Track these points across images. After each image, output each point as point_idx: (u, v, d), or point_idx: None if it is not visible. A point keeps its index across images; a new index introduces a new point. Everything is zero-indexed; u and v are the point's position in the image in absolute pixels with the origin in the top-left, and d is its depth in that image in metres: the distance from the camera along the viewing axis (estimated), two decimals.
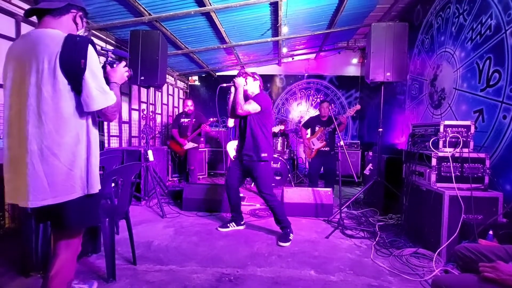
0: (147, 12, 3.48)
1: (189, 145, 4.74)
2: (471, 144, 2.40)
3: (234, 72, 7.05)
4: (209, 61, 6.03)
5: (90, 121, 1.25)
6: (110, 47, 3.55)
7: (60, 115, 1.14)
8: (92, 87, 1.16)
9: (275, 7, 3.76)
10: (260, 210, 3.74)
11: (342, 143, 3.26)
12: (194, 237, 2.73)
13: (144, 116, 5.07)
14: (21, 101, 1.14)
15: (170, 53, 4.65)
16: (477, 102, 2.79)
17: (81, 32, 1.33)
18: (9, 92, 1.18)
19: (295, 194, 3.55)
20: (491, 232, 1.99)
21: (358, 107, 3.86)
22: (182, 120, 4.83)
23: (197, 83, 7.21)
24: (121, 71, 1.39)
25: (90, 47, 1.17)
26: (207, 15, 3.75)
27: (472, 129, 2.40)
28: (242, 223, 3.03)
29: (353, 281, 2.01)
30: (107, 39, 4.07)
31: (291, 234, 2.72)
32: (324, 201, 3.50)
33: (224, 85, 2.80)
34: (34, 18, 1.29)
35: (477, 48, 2.79)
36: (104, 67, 1.38)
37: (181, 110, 6.70)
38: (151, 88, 4.20)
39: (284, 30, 4.27)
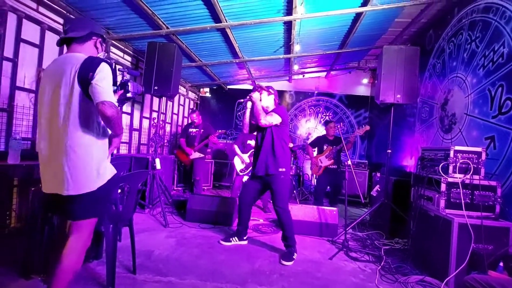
0: (165, 25, 3.61)
1: (195, 155, 4.78)
2: (482, 171, 2.36)
3: (245, 86, 7.18)
4: (221, 74, 6.17)
5: (101, 126, 1.48)
6: (120, 66, 3.79)
7: (80, 120, 1.39)
8: (98, 86, 1.36)
9: (288, 26, 3.86)
10: (263, 225, 3.69)
11: (349, 162, 3.23)
12: (196, 249, 2.71)
13: (154, 124, 5.16)
14: (53, 110, 1.40)
15: (184, 65, 4.78)
16: (488, 129, 2.75)
17: (101, 55, 1.60)
18: (45, 104, 1.43)
19: (300, 211, 3.50)
20: (501, 264, 1.92)
21: (367, 128, 3.86)
22: (191, 130, 4.89)
23: (208, 94, 7.34)
24: (119, 145, 1.63)
25: (102, 64, 1.40)
26: (222, 31, 3.87)
27: (483, 156, 2.36)
28: (245, 238, 2.99)
29: None
30: (125, 49, 4.22)
31: (295, 253, 2.67)
32: (329, 220, 3.44)
33: (242, 100, 2.86)
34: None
35: (489, 75, 2.79)
36: (124, 84, 1.71)
37: (190, 120, 6.82)
38: (163, 97, 4.30)
39: (297, 48, 4.36)
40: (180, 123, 6.50)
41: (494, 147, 2.64)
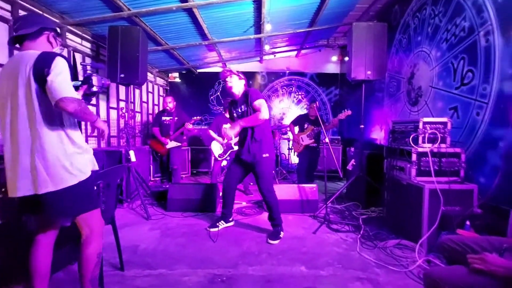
0: (126, 7, 3.32)
1: (172, 144, 4.62)
2: (448, 139, 2.54)
3: (216, 69, 6.96)
4: (190, 58, 5.90)
5: (67, 121, 1.44)
6: (87, 60, 3.50)
7: (44, 118, 1.36)
8: (54, 82, 1.31)
9: (258, 4, 3.74)
10: (247, 208, 3.74)
11: (327, 140, 3.32)
12: (182, 239, 2.68)
13: (123, 115, 4.87)
14: (14, 112, 1.36)
15: (150, 49, 4.49)
16: (452, 100, 2.95)
17: (57, 49, 1.54)
18: (6, 106, 1.38)
19: (281, 191, 3.57)
20: (468, 223, 2.12)
21: (349, 112, 3.92)
22: (164, 118, 4.69)
23: (177, 80, 7.03)
24: (102, 127, 1.58)
25: (57, 59, 1.36)
26: (189, 11, 3.65)
27: (449, 125, 2.54)
28: (230, 219, 3.03)
29: (342, 275, 2.07)
30: (84, 35, 3.85)
31: (281, 232, 2.75)
32: (309, 197, 3.56)
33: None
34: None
35: (452, 49, 2.95)
36: (87, 79, 1.65)
37: (161, 108, 6.52)
38: (130, 86, 4.03)
39: (267, 27, 4.27)
40: (150, 111, 6.21)
41: (458, 116, 2.85)
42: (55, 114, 1.39)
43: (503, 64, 2.35)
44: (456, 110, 2.88)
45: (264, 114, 2.61)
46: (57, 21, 3.39)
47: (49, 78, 1.30)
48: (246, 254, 2.38)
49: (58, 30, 1.60)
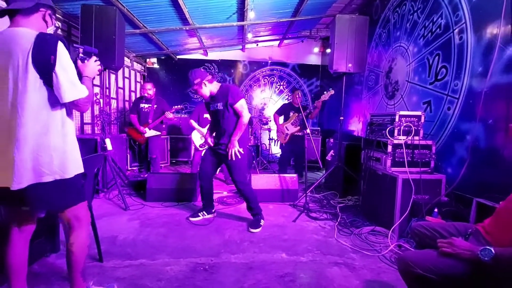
0: None
1: (151, 132, 4.49)
2: (421, 132, 2.68)
3: (197, 56, 6.78)
4: (169, 43, 5.68)
5: (64, 112, 1.35)
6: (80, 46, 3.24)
7: (32, 107, 1.24)
8: (63, 80, 1.26)
9: None
10: (228, 197, 3.75)
11: (308, 130, 3.38)
12: (162, 229, 2.66)
13: (97, 101, 4.63)
14: (3, 97, 1.24)
15: (127, 32, 4.25)
16: (426, 94, 3.10)
17: (51, 29, 1.42)
18: None
19: (262, 181, 3.62)
20: (436, 210, 2.29)
21: (331, 92, 3.87)
22: (142, 105, 4.52)
23: (156, 66, 6.77)
24: (92, 66, 1.49)
25: (59, 44, 1.27)
26: None
27: (423, 119, 2.67)
28: (213, 211, 3.03)
29: (321, 260, 2.16)
30: None
31: (262, 220, 2.80)
32: (290, 186, 3.64)
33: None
34: None
35: (428, 45, 3.08)
36: (75, 63, 1.46)
37: (138, 94, 6.27)
38: (106, 70, 3.83)
39: (251, 15, 4.19)
40: (127, 98, 5.95)
41: (431, 110, 3.01)
42: (50, 105, 1.29)
43: (474, 62, 2.49)
44: (430, 104, 3.04)
45: (246, 118, 2.66)
46: None
47: (56, 72, 1.23)
48: (228, 243, 2.41)
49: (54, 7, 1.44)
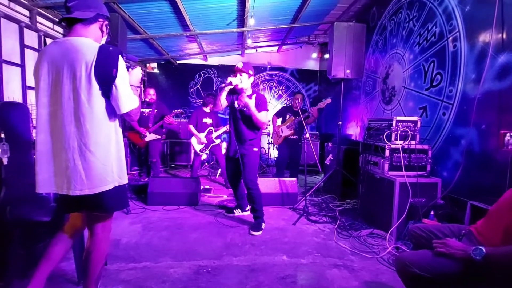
0: None
1: (151, 136, 4.53)
2: (417, 137, 2.76)
3: (196, 61, 6.85)
4: (169, 48, 5.75)
5: (117, 122, 1.41)
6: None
7: (95, 117, 1.28)
8: (122, 92, 1.31)
9: None
10: (228, 201, 3.80)
11: (308, 135, 3.45)
12: (165, 232, 2.70)
13: None
14: (58, 102, 1.27)
15: (128, 37, 4.32)
16: (422, 100, 3.18)
17: (104, 39, 1.46)
18: (45, 92, 1.30)
19: (262, 185, 3.64)
20: (432, 213, 2.35)
21: (329, 100, 3.94)
22: (143, 109, 4.57)
23: (156, 70, 6.83)
24: (137, 76, 1.53)
25: (120, 58, 1.31)
26: (171, 1, 3.56)
27: (419, 124, 2.75)
28: (247, 209, 3.22)
29: (321, 262, 2.21)
30: (55, 18, 3.63)
31: (263, 223, 2.85)
32: (289, 190, 3.70)
33: (223, 85, 2.72)
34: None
35: (423, 52, 3.17)
36: None
37: (142, 99, 6.32)
38: None
39: (251, 22, 4.28)
40: None
41: (426, 115, 3.09)
42: (108, 116, 1.33)
43: (467, 69, 2.58)
44: (425, 109, 3.12)
45: (265, 123, 2.81)
46: (25, 2, 3.18)
47: (116, 84, 1.26)
48: (230, 245, 2.45)
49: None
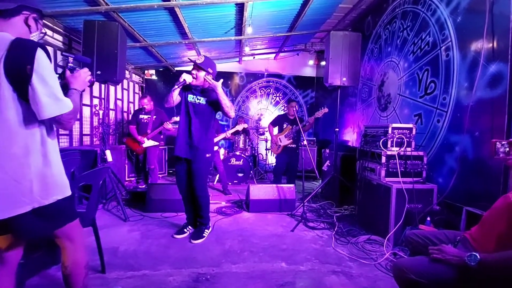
0: (104, 1, 3.22)
1: (149, 143, 4.55)
2: (413, 143, 2.80)
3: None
4: (168, 55, 5.80)
5: (44, 130, 1.17)
6: (70, 54, 3.18)
7: (6, 125, 1.07)
8: (41, 94, 1.08)
9: (240, 7, 3.80)
10: (226, 207, 3.80)
11: (305, 142, 3.48)
12: (163, 239, 2.69)
13: (96, 112, 4.69)
14: None
15: (127, 45, 4.37)
16: (417, 107, 3.24)
17: (35, 35, 1.25)
18: None
19: (260, 191, 3.69)
20: (428, 219, 2.38)
21: (325, 110, 3.98)
22: (141, 116, 4.60)
23: (154, 77, 6.87)
24: (82, 77, 1.33)
25: (39, 51, 1.09)
26: (171, 10, 3.62)
27: (414, 131, 2.80)
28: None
29: (319, 269, 2.22)
30: (54, 27, 3.66)
31: (206, 231, 2.78)
32: (287, 196, 3.71)
33: (176, 85, 2.51)
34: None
35: (417, 60, 3.24)
36: (63, 73, 1.32)
37: (137, 106, 6.34)
38: (106, 83, 3.91)
39: (249, 30, 4.35)
40: (125, 109, 6.02)
41: (421, 122, 3.14)
42: (27, 121, 1.11)
43: (460, 77, 2.65)
44: (420, 117, 3.17)
45: (233, 112, 2.61)
46: None
47: (33, 84, 1.06)
48: (228, 253, 2.46)
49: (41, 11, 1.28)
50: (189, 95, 2.66)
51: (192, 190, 2.73)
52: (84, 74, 1.34)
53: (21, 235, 1.20)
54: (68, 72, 1.33)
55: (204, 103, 2.65)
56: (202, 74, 2.56)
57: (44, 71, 1.09)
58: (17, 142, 1.09)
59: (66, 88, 1.26)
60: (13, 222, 1.10)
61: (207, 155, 2.68)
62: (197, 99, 2.65)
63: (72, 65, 1.38)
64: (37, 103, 1.07)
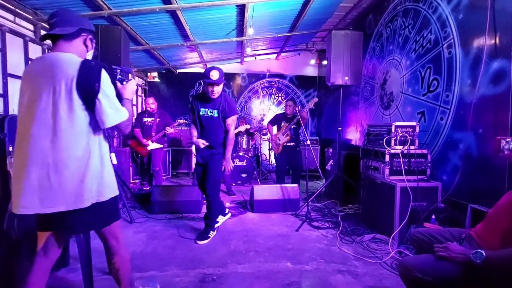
0: (107, 6, 3.26)
1: (153, 145, 4.58)
2: (416, 142, 2.80)
3: (196, 70, 6.94)
4: (170, 58, 5.84)
5: (101, 136, 1.38)
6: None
7: (75, 131, 1.26)
8: (106, 106, 1.29)
9: (241, 9, 3.82)
10: (231, 208, 3.82)
11: (308, 142, 3.49)
12: (169, 241, 2.72)
13: None
14: (34, 118, 1.24)
15: (130, 48, 4.40)
16: (420, 105, 3.24)
17: (90, 53, 1.46)
18: (24, 108, 1.29)
19: (264, 192, 3.71)
20: (433, 216, 2.38)
21: (315, 100, 3.98)
22: (145, 119, 4.64)
23: (156, 79, 6.92)
24: (131, 88, 1.53)
25: (103, 72, 1.30)
26: (172, 13, 3.65)
27: (417, 129, 2.80)
28: (226, 212, 3.14)
29: (325, 268, 2.23)
30: None
31: (212, 232, 2.81)
32: (291, 196, 3.72)
33: (195, 142, 2.81)
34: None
35: (419, 58, 3.24)
36: (114, 85, 1.47)
37: (140, 108, 6.40)
38: None
39: (250, 31, 4.36)
40: None
41: (425, 120, 3.14)
42: (89, 130, 1.31)
43: (462, 75, 2.64)
44: (423, 114, 3.17)
45: (232, 135, 2.82)
46: (30, 17, 3.26)
47: (99, 99, 1.26)
48: (234, 253, 2.48)
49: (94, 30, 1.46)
50: (201, 109, 2.78)
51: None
52: (133, 85, 1.54)
53: (75, 229, 1.37)
54: (119, 84, 1.51)
55: (217, 115, 2.76)
56: (220, 88, 2.70)
57: (107, 87, 1.30)
58: (82, 146, 1.29)
59: (118, 98, 1.43)
60: (72, 216, 1.28)
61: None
62: (209, 112, 2.77)
63: (120, 76, 1.54)
64: (103, 114, 1.29)
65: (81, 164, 1.27)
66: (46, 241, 1.37)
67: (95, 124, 1.31)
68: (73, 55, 1.31)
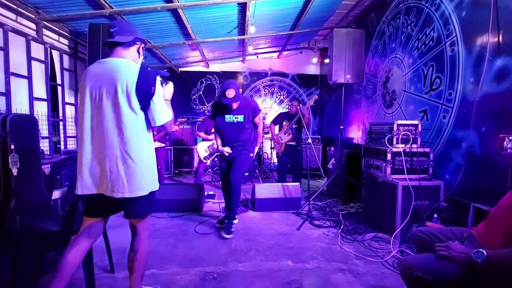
0: (108, 4, 3.26)
1: (156, 144, 4.59)
2: (419, 140, 2.78)
3: (198, 68, 6.95)
4: (172, 57, 5.85)
5: (151, 132, 1.59)
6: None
7: (136, 128, 1.46)
8: (159, 107, 1.49)
9: (243, 7, 3.81)
10: None
11: (310, 140, 3.48)
12: (170, 239, 2.72)
13: None
14: (100, 115, 1.43)
15: None
16: (422, 103, 3.21)
17: (141, 59, 1.64)
18: (89, 107, 1.45)
19: (266, 190, 3.70)
20: (435, 215, 2.36)
21: (315, 97, 4.06)
22: None
23: (158, 78, 6.91)
24: (170, 90, 1.73)
25: (157, 79, 1.49)
26: (174, 11, 3.65)
27: (419, 127, 2.77)
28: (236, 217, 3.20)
29: (326, 267, 2.22)
30: (60, 31, 3.73)
31: (234, 221, 2.95)
32: (293, 195, 3.72)
33: (220, 150, 3.03)
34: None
35: (422, 56, 3.21)
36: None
37: None
38: None
39: (251, 29, 4.35)
40: None
41: (427, 119, 3.12)
42: (146, 127, 1.50)
43: (465, 73, 2.61)
44: (426, 113, 3.15)
45: (261, 130, 3.11)
46: (32, 16, 3.27)
47: (154, 100, 1.44)
48: (235, 252, 2.48)
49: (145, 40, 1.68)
50: (226, 116, 2.95)
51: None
52: (170, 87, 1.75)
53: (132, 214, 1.53)
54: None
55: (242, 120, 2.95)
56: (237, 103, 2.89)
57: (159, 91, 1.50)
58: (142, 141, 1.48)
59: None
60: (132, 203, 1.46)
61: (250, 154, 3.05)
62: (235, 118, 2.95)
63: (161, 80, 1.67)
64: (155, 113, 1.48)
65: (142, 157, 1.47)
66: (93, 224, 1.55)
67: (148, 122, 1.50)
68: (131, 61, 1.51)
